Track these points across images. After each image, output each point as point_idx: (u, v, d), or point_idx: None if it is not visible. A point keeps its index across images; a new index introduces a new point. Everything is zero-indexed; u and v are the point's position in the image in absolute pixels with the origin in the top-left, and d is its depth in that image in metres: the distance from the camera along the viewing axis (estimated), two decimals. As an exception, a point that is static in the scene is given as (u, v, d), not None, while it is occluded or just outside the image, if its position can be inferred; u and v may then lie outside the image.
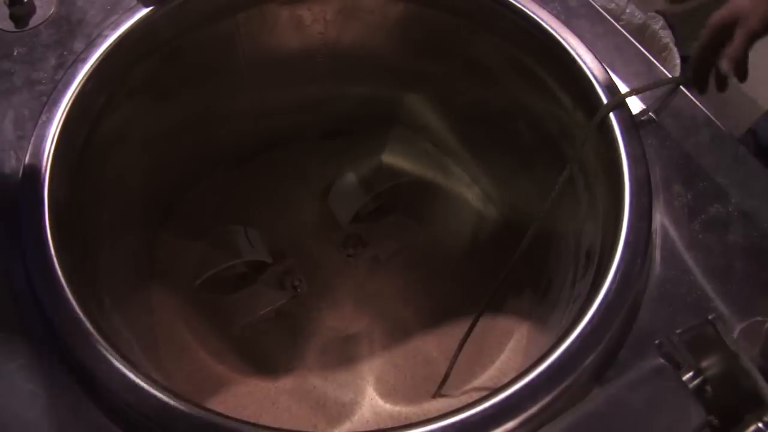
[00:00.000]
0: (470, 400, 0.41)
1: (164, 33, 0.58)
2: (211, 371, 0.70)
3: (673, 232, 0.50)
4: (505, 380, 0.42)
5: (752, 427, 0.36)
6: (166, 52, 0.59)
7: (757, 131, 1.05)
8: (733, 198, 0.51)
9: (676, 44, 1.24)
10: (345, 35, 0.68)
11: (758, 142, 1.00)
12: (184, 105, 0.67)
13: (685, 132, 0.54)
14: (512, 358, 0.71)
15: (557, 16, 0.57)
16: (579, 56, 0.55)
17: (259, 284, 0.75)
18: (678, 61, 1.22)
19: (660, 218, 0.50)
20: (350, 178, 0.79)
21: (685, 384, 0.38)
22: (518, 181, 0.74)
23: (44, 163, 0.48)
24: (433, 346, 0.73)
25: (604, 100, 0.52)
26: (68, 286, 0.44)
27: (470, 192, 0.83)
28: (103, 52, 0.53)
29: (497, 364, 0.71)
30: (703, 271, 0.48)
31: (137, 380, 0.40)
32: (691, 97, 0.56)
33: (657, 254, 0.49)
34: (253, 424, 0.40)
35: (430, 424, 0.40)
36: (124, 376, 0.40)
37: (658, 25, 1.24)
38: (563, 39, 0.56)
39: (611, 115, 0.52)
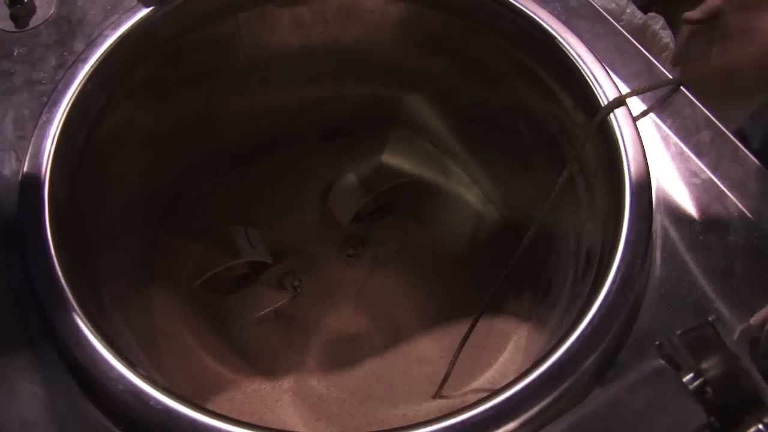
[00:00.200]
0: (470, 401, 0.41)
1: (165, 33, 0.58)
2: (211, 372, 0.70)
3: (673, 233, 0.50)
4: (506, 381, 0.42)
5: (753, 429, 0.36)
6: (166, 52, 0.59)
7: (746, 133, 1.05)
8: (733, 199, 0.51)
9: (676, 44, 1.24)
10: (345, 35, 0.68)
11: (747, 143, 0.99)
12: (185, 105, 0.67)
13: (685, 132, 0.54)
14: (512, 358, 0.71)
15: (557, 16, 0.57)
16: (579, 56, 0.55)
17: (259, 284, 0.75)
18: (678, 61, 1.22)
19: (660, 219, 0.50)
20: (350, 178, 0.79)
21: (685, 385, 0.38)
22: (518, 182, 0.74)
23: (44, 164, 0.48)
24: (433, 346, 0.73)
25: (605, 101, 0.52)
26: (68, 286, 0.44)
27: (470, 192, 0.83)
28: (104, 52, 0.53)
29: (497, 364, 0.71)
30: (704, 272, 0.48)
31: (137, 381, 0.40)
32: (692, 97, 0.56)
33: (657, 255, 0.49)
34: (254, 426, 0.40)
35: (431, 425, 0.40)
36: (124, 377, 0.40)
37: (658, 25, 1.24)
38: (563, 39, 0.56)
39: (611, 115, 0.52)
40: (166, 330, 0.71)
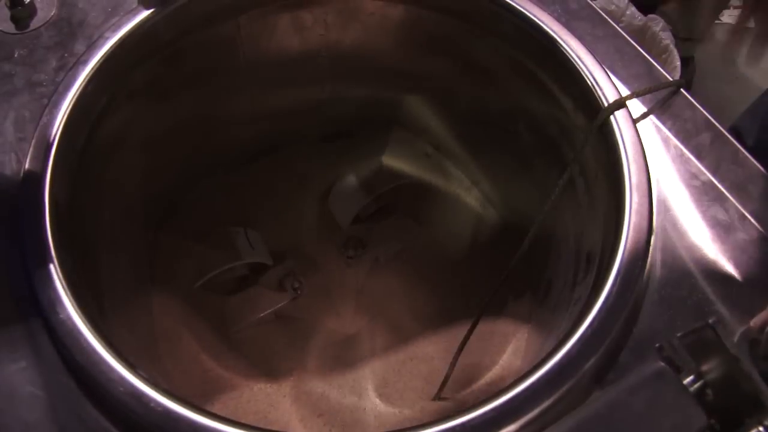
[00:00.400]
0: (470, 403, 0.41)
1: (165, 35, 0.58)
2: (211, 373, 0.70)
3: (673, 235, 0.50)
4: (506, 383, 0.42)
5: (753, 431, 0.36)
6: (167, 54, 0.59)
7: (741, 131, 1.05)
8: (733, 201, 0.51)
9: (677, 46, 1.24)
10: (346, 37, 0.68)
11: (743, 141, 1.00)
12: (185, 107, 0.67)
13: (685, 134, 0.54)
14: (512, 360, 0.71)
15: (558, 19, 0.57)
16: (579, 58, 0.55)
17: (259, 286, 0.75)
18: (678, 62, 1.22)
19: (660, 221, 0.50)
20: (350, 179, 0.79)
21: (685, 387, 0.38)
22: (518, 184, 0.74)
23: (45, 165, 0.48)
24: (434, 348, 0.73)
25: (605, 103, 0.52)
26: (68, 287, 0.44)
27: (470, 194, 0.83)
28: (104, 54, 0.53)
29: (497, 366, 0.71)
30: (704, 274, 0.48)
31: (137, 383, 0.40)
32: (691, 100, 0.56)
33: (657, 257, 0.49)
34: (255, 427, 0.40)
35: (431, 427, 0.40)
36: (124, 378, 0.40)
37: (658, 26, 1.24)
38: (564, 41, 0.56)
39: (612, 117, 0.52)
40: (167, 331, 0.71)
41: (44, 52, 0.55)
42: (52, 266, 0.44)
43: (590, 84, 0.54)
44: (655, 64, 0.58)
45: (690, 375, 0.39)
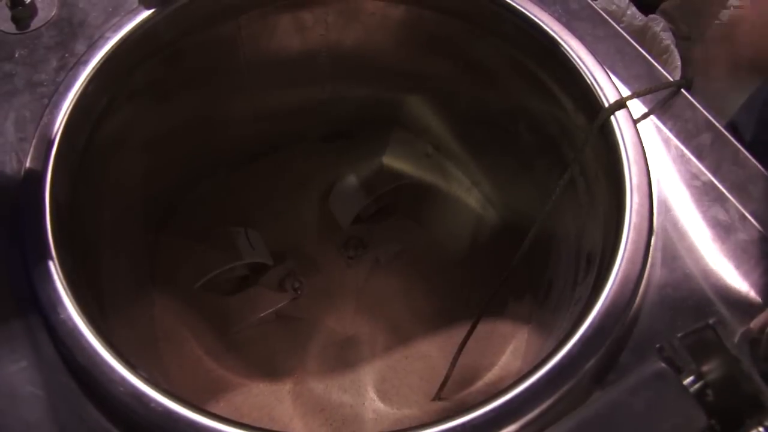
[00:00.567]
0: (470, 404, 0.41)
1: (166, 35, 0.58)
2: (212, 374, 0.70)
3: (674, 235, 0.50)
4: (506, 383, 0.42)
5: (753, 432, 0.36)
6: (167, 54, 0.59)
7: (738, 126, 1.05)
8: (734, 201, 0.51)
9: (677, 45, 1.24)
10: (346, 37, 0.68)
11: (740, 136, 1.00)
12: (186, 107, 0.67)
13: (686, 134, 0.54)
14: (512, 361, 0.71)
15: (558, 19, 0.57)
16: (580, 59, 0.55)
17: (259, 286, 0.75)
18: (679, 63, 1.22)
19: (661, 221, 0.50)
20: (351, 180, 0.79)
21: (686, 388, 0.38)
22: (519, 184, 0.74)
23: (45, 165, 0.48)
24: (434, 348, 0.73)
25: (605, 103, 0.52)
26: (69, 287, 0.44)
27: (470, 195, 0.83)
28: (105, 54, 0.53)
29: (497, 367, 0.71)
30: (704, 274, 0.48)
31: (138, 383, 0.40)
32: (692, 100, 0.56)
33: (658, 257, 0.49)
34: (255, 428, 0.40)
35: (431, 427, 0.40)
36: (124, 378, 0.40)
37: (659, 27, 1.24)
38: (564, 41, 0.56)
39: (612, 117, 0.52)
40: (167, 331, 0.71)
41: (45, 52, 0.55)
42: (52, 266, 0.44)
43: (591, 84, 0.54)
44: (656, 64, 0.58)
45: (690, 375, 0.38)
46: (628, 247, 0.46)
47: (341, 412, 0.69)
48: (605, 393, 0.40)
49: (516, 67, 0.62)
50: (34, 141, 0.49)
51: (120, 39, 0.54)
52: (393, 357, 0.73)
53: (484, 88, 0.69)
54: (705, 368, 0.39)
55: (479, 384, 0.70)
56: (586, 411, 0.39)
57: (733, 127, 1.05)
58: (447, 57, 0.69)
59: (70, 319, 0.42)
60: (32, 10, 0.56)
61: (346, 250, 0.79)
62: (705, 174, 0.52)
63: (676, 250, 0.49)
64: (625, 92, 0.54)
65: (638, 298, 0.46)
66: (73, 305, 0.43)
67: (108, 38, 0.54)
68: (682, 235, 0.50)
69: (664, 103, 0.56)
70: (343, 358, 0.73)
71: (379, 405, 0.70)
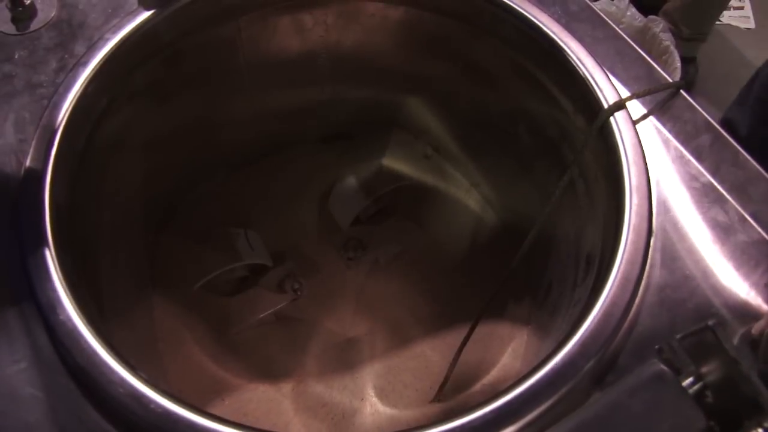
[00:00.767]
0: (470, 405, 0.41)
1: (165, 36, 0.58)
2: (211, 375, 0.70)
3: (673, 237, 0.50)
4: (505, 385, 0.42)
5: (752, 433, 0.36)
6: (167, 56, 0.59)
7: (733, 121, 1.05)
8: (733, 202, 0.51)
9: (678, 46, 1.24)
10: (346, 39, 0.68)
11: (734, 132, 1.00)
12: (185, 108, 0.67)
13: (685, 136, 0.54)
14: (512, 362, 0.71)
15: (558, 20, 0.57)
16: (579, 60, 0.55)
17: (259, 287, 0.75)
18: (678, 64, 1.22)
19: (660, 222, 0.50)
20: (350, 181, 0.79)
21: (685, 389, 0.38)
22: (518, 185, 0.74)
23: (45, 166, 0.48)
24: (433, 350, 0.73)
25: (605, 105, 0.52)
26: (68, 289, 0.44)
27: (469, 196, 0.83)
28: (105, 55, 0.53)
29: (497, 368, 0.71)
30: (704, 275, 0.48)
31: (137, 384, 0.40)
32: (691, 101, 0.56)
33: (657, 259, 0.49)
34: (255, 429, 0.40)
35: (430, 428, 0.40)
36: (124, 380, 0.40)
37: (658, 28, 1.25)
38: (564, 43, 0.56)
39: (611, 119, 0.52)
40: (167, 332, 0.71)
41: (44, 53, 0.55)
42: (52, 267, 0.44)
43: (590, 85, 0.54)
44: (656, 65, 0.58)
45: (689, 377, 0.38)
46: (628, 248, 0.46)
47: (341, 412, 0.69)
48: (604, 394, 0.40)
49: (515, 69, 0.62)
50: (34, 142, 0.49)
51: (120, 40, 0.54)
52: (393, 358, 0.73)
53: (483, 90, 0.69)
54: (704, 370, 0.39)
55: (479, 385, 0.70)
56: (586, 412, 0.39)
57: (727, 123, 1.06)
58: (446, 58, 0.69)
59: (70, 320, 0.42)
60: (32, 12, 0.56)
61: (346, 252, 0.79)
62: (704, 175, 0.52)
63: (675, 252, 0.49)
64: (625, 93, 0.54)
65: (637, 300, 0.46)
66: (72, 306, 0.43)
67: (108, 39, 0.54)
68: (681, 236, 0.50)
69: (663, 104, 0.56)
70: (343, 359, 0.73)
71: (379, 406, 0.70)
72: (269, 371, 0.71)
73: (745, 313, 0.46)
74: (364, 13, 0.65)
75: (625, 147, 0.51)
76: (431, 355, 0.73)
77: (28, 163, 0.48)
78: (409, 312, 0.76)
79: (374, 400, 0.70)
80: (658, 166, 0.53)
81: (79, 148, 0.52)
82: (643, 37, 1.25)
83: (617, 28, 0.60)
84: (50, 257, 0.44)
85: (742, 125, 1.08)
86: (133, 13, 0.55)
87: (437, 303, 0.76)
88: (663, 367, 0.39)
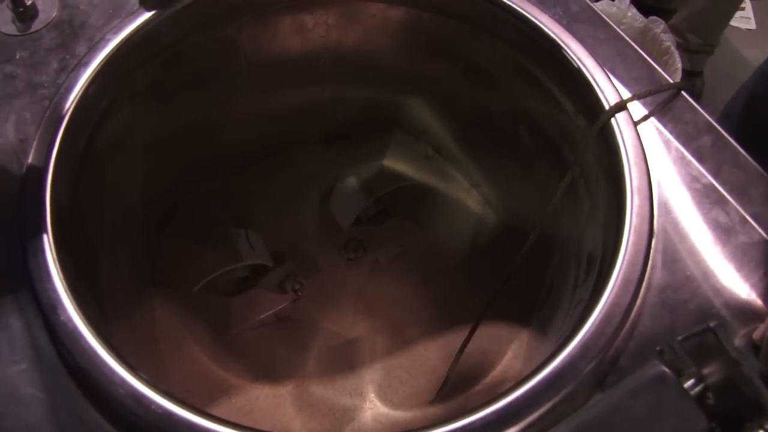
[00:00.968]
0: (471, 406, 0.41)
1: (166, 37, 0.58)
2: (212, 375, 0.70)
3: (674, 238, 0.50)
4: (506, 386, 0.42)
5: (753, 434, 0.36)
6: (168, 56, 0.59)
7: (728, 113, 1.05)
8: (734, 203, 0.51)
9: (678, 47, 1.24)
10: (347, 39, 0.68)
11: (735, 124, 1.00)
12: (186, 109, 0.67)
13: (686, 137, 0.54)
14: (513, 363, 0.71)
15: (559, 21, 0.57)
16: (580, 61, 0.55)
17: (259, 288, 0.75)
18: (679, 65, 1.22)
19: (661, 223, 0.50)
20: (351, 181, 0.79)
21: (686, 391, 0.38)
22: (519, 186, 0.74)
23: (46, 167, 0.48)
24: (434, 350, 0.73)
25: (606, 105, 0.52)
26: (69, 289, 0.44)
27: (470, 197, 0.83)
28: (106, 55, 0.53)
29: (498, 369, 0.71)
30: (705, 277, 0.48)
31: (138, 385, 0.40)
32: (692, 102, 0.56)
33: (658, 260, 0.49)
34: (255, 429, 0.40)
35: (431, 429, 0.40)
36: (125, 380, 0.40)
37: (659, 28, 1.24)
38: (565, 44, 0.56)
39: (612, 120, 0.52)
40: (167, 333, 0.71)
41: (46, 53, 0.55)
42: (53, 268, 0.44)
43: (591, 86, 0.54)
44: (656, 66, 0.58)
45: (691, 378, 0.38)
46: (629, 249, 0.46)
47: (341, 413, 0.69)
48: (605, 395, 0.40)
49: (516, 70, 0.62)
50: (35, 143, 0.49)
51: (121, 41, 0.54)
52: (393, 359, 0.73)
53: (484, 90, 0.69)
54: (705, 371, 0.39)
55: (480, 386, 0.70)
56: (587, 414, 0.39)
57: (726, 116, 1.06)
58: (447, 59, 0.69)
59: (70, 320, 0.42)
60: (33, 12, 0.56)
61: (347, 252, 0.79)
62: (705, 176, 0.52)
63: (676, 253, 0.49)
64: (626, 94, 0.54)
65: (639, 301, 0.46)
66: (73, 307, 0.43)
67: (109, 40, 0.54)
68: (682, 237, 0.50)
69: (664, 105, 0.56)
70: (344, 359, 0.73)
71: (379, 406, 0.70)
72: (270, 371, 0.71)
73: (746, 314, 0.46)
74: (364, 13, 0.65)
75: (626, 148, 0.51)
76: (432, 355, 0.73)
77: (28, 164, 0.48)
78: (410, 312, 0.76)
79: (375, 400, 0.70)
80: (659, 167, 0.53)
81: (80, 148, 0.52)
82: (644, 37, 1.25)
83: (618, 29, 0.60)
84: (51, 257, 0.44)
85: (734, 114, 1.08)
86: (134, 14, 0.55)
87: (438, 303, 0.76)
88: (664, 368, 0.39)
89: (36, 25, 0.56)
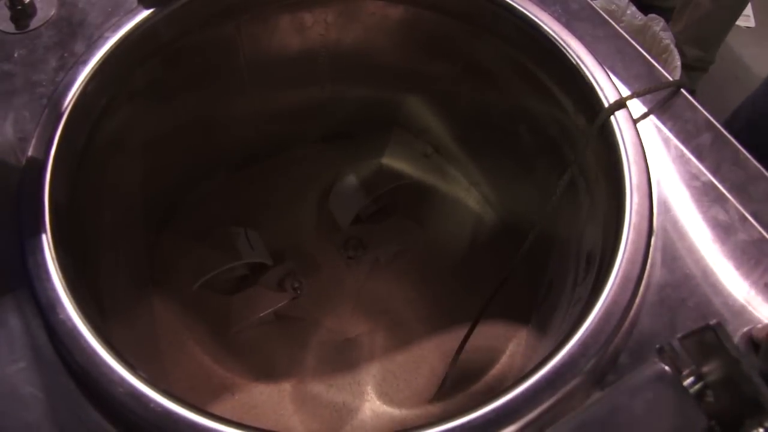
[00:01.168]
0: (470, 404, 0.41)
1: (165, 35, 0.58)
2: (211, 374, 0.70)
3: (673, 236, 0.50)
4: (505, 384, 0.42)
5: (753, 433, 0.36)
6: (167, 55, 0.59)
7: (740, 113, 1.05)
8: (734, 201, 0.51)
9: (677, 45, 1.24)
10: (346, 37, 0.68)
11: (748, 121, 1.00)
12: (185, 107, 0.67)
13: (686, 135, 0.54)
14: (512, 362, 0.71)
15: (558, 19, 0.57)
16: (580, 59, 0.55)
17: (259, 286, 0.75)
18: (678, 62, 1.22)
19: (661, 221, 0.50)
20: (351, 180, 0.79)
21: (685, 389, 0.38)
22: (518, 185, 0.74)
23: (44, 166, 0.48)
24: (433, 349, 0.73)
25: (605, 103, 0.52)
26: (68, 288, 0.43)
27: (469, 195, 0.83)
28: (104, 54, 0.53)
29: (497, 367, 0.71)
30: (704, 275, 0.48)
31: (137, 384, 0.40)
32: (692, 100, 0.56)
33: (658, 258, 0.49)
34: (254, 428, 0.40)
35: (430, 427, 0.40)
36: (124, 379, 0.40)
37: (658, 26, 1.24)
38: (564, 42, 0.56)
39: (612, 118, 0.52)
40: (167, 332, 0.71)
41: (44, 52, 0.54)
42: (51, 267, 0.44)
43: (591, 84, 0.54)
44: (656, 64, 0.58)
45: (690, 377, 0.38)
46: (628, 247, 0.46)
47: (340, 412, 0.69)
48: (605, 394, 0.40)
49: (516, 68, 0.62)
50: (33, 141, 0.49)
51: (119, 39, 0.54)
52: (392, 357, 0.73)
53: (483, 89, 0.69)
54: (705, 369, 0.39)
55: (479, 384, 0.70)
56: (586, 412, 0.39)
57: (736, 116, 1.05)
58: (446, 57, 0.69)
59: (70, 319, 0.42)
60: (31, 10, 0.56)
61: (346, 250, 0.79)
62: (705, 174, 0.52)
63: (676, 251, 0.49)
64: (625, 92, 0.54)
65: (638, 299, 0.46)
66: (72, 306, 0.43)
67: (107, 38, 0.54)
68: (682, 235, 0.50)
69: (663, 103, 0.56)
70: (343, 358, 0.73)
71: (379, 405, 0.70)
72: (269, 370, 0.71)
73: (745, 312, 0.46)
74: (364, 11, 0.65)
75: (625, 146, 0.51)
76: (431, 354, 0.73)
77: (27, 161, 0.48)
78: (409, 311, 0.76)
79: (374, 399, 0.70)
80: (658, 164, 0.53)
81: (79, 146, 0.52)
82: (643, 35, 1.25)
83: (617, 27, 0.60)
84: (50, 256, 0.44)
85: (740, 115, 1.08)
86: (132, 12, 0.55)
87: (437, 302, 0.76)
88: (664, 366, 0.39)
89: (34, 23, 0.56)
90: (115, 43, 0.54)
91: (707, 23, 1.33)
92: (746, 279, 0.48)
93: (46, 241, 0.45)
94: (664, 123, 0.55)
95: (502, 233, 0.80)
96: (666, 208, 0.51)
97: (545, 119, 0.62)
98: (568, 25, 0.57)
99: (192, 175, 0.78)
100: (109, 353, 0.41)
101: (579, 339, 0.43)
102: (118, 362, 0.41)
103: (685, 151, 0.53)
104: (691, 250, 0.49)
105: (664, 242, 0.49)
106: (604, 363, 0.44)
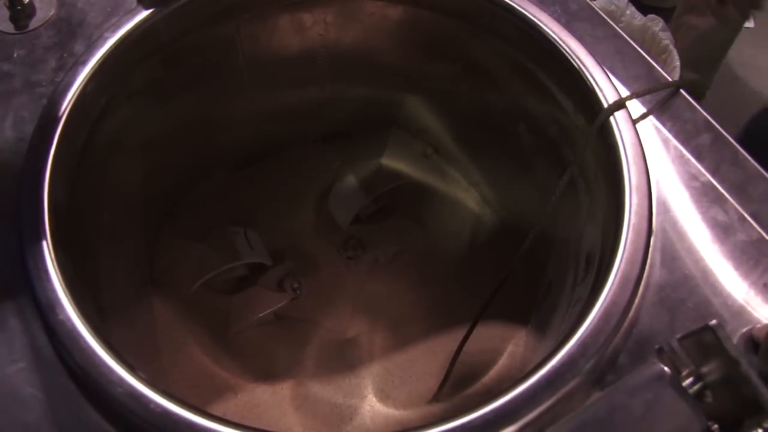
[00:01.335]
0: (469, 405, 0.41)
1: (165, 35, 0.58)
2: (211, 375, 0.70)
3: (673, 236, 0.50)
4: (505, 384, 0.42)
5: (752, 433, 0.36)
6: (166, 55, 0.59)
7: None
8: (733, 202, 0.51)
9: (676, 46, 1.24)
10: (345, 37, 0.68)
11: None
12: (185, 107, 0.67)
13: (685, 135, 0.54)
14: (511, 362, 0.71)
15: (558, 19, 0.57)
16: (579, 59, 0.55)
17: (258, 286, 0.75)
18: (678, 63, 1.22)
19: (660, 222, 0.50)
20: (350, 180, 0.79)
21: (685, 389, 0.38)
22: (518, 185, 0.74)
23: (44, 166, 0.48)
24: (432, 349, 0.73)
25: (605, 104, 0.52)
26: (68, 288, 0.43)
27: (469, 195, 0.83)
28: (104, 54, 0.53)
29: (496, 368, 0.71)
30: (704, 275, 0.48)
31: (137, 384, 0.40)
32: (691, 101, 0.56)
33: (657, 258, 0.49)
34: (254, 429, 0.40)
35: (429, 428, 0.40)
36: (123, 380, 0.40)
37: (658, 27, 1.24)
38: (564, 42, 0.56)
39: (611, 118, 0.52)
40: (166, 332, 0.71)
41: (43, 52, 0.54)
42: (51, 267, 0.44)
43: (590, 85, 0.54)
44: (655, 64, 0.58)
45: (689, 377, 0.38)
46: (628, 247, 0.46)
47: (340, 412, 0.69)
48: (604, 394, 0.40)
49: (515, 68, 0.62)
50: (33, 141, 0.49)
51: (119, 39, 0.54)
52: (392, 357, 0.73)
53: (483, 89, 0.69)
54: (704, 370, 0.39)
55: (478, 385, 0.70)
56: (585, 412, 0.39)
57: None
58: (446, 57, 0.69)
59: (69, 320, 0.42)
60: (31, 10, 0.56)
61: (345, 251, 0.79)
62: (704, 175, 0.52)
63: (675, 251, 0.49)
64: (625, 93, 0.54)
65: (637, 299, 0.46)
66: (71, 306, 0.43)
67: (107, 38, 0.54)
68: (681, 235, 0.50)
69: (663, 103, 0.56)
70: (342, 358, 0.73)
71: (378, 405, 0.70)
72: (269, 370, 0.71)
73: (744, 312, 0.46)
74: (363, 11, 0.65)
75: (625, 146, 0.51)
76: (430, 354, 0.73)
77: (26, 163, 0.48)
78: (409, 311, 0.76)
79: (373, 399, 0.70)
80: (657, 165, 0.53)
81: (78, 147, 0.52)
82: (642, 36, 1.24)
83: (617, 27, 0.60)
84: (49, 257, 0.44)
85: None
86: (132, 12, 0.55)
87: (436, 302, 0.76)
88: (663, 366, 0.39)
89: (33, 24, 0.56)
90: (115, 43, 0.54)
91: (702, 46, 1.32)
92: (745, 279, 0.48)
93: (46, 241, 0.45)
94: (663, 123, 0.55)
95: (502, 233, 0.80)
96: (665, 209, 0.51)
97: (545, 119, 0.62)
98: (568, 26, 0.57)
99: (192, 175, 0.78)
100: (108, 353, 0.41)
101: (578, 339, 0.43)
102: (117, 363, 0.41)
103: (685, 151, 0.53)
104: (691, 250, 0.49)
105: (663, 243, 0.49)
106: (604, 363, 0.44)
